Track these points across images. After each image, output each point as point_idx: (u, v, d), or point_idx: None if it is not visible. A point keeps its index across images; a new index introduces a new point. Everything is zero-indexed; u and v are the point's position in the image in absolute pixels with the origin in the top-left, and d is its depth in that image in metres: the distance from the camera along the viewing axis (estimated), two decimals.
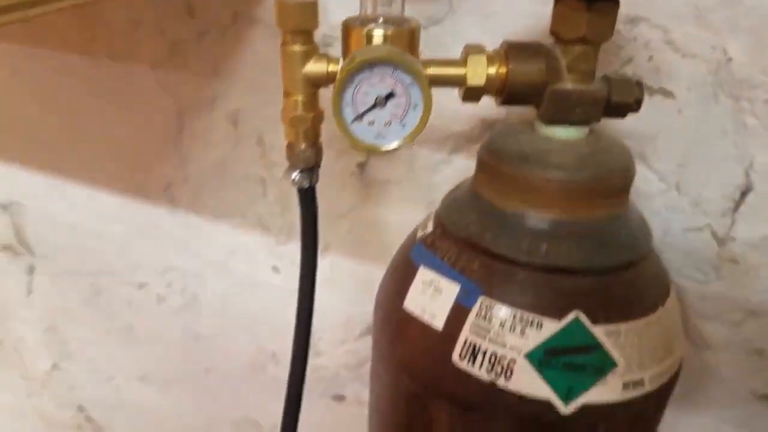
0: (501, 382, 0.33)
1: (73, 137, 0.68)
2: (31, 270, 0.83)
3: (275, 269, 0.66)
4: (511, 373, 0.33)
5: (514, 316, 0.33)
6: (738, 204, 0.42)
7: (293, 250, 0.63)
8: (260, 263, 0.66)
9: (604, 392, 0.32)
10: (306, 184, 0.36)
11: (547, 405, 0.32)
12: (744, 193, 0.42)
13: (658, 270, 0.36)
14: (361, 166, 0.53)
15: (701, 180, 0.42)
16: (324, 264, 0.59)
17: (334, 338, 0.67)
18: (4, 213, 0.80)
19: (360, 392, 0.69)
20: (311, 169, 0.36)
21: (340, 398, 0.70)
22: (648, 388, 0.33)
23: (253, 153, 0.58)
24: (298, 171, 0.35)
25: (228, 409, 0.79)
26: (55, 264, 0.81)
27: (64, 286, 0.82)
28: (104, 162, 0.68)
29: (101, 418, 0.94)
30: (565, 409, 0.32)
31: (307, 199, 0.37)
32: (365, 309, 0.63)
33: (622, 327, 0.33)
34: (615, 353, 0.32)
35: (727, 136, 0.41)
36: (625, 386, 0.33)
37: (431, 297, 0.36)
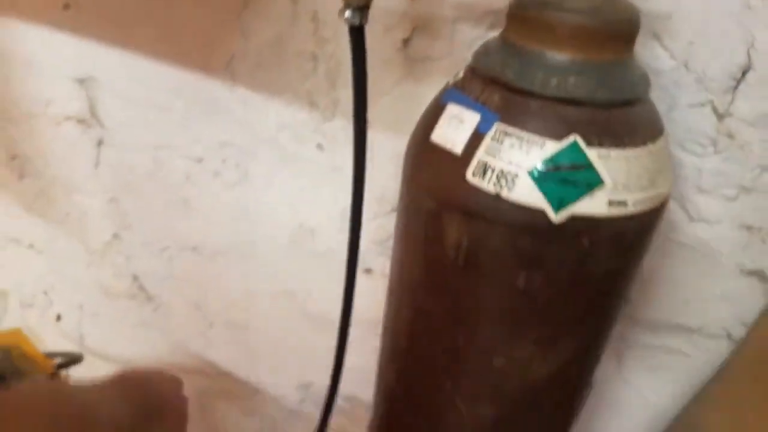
0: (504, 193, 0.39)
1: (145, 11, 0.75)
2: (99, 143, 0.92)
3: (319, 146, 0.73)
4: (514, 185, 0.39)
5: (522, 139, 0.39)
6: (738, 82, 0.47)
7: (337, 128, 0.70)
8: (306, 140, 0.73)
9: (590, 205, 0.38)
10: (357, 22, 0.42)
11: (541, 214, 0.39)
12: (744, 72, 0.46)
13: (651, 114, 0.41)
14: (406, 42, 0.59)
15: (707, 58, 0.47)
16: None
17: (367, 213, 0.74)
18: (81, 87, 0.88)
19: (386, 265, 0.77)
20: (362, 9, 0.42)
21: (368, 271, 0.78)
22: (631, 209, 0.39)
23: (308, 29, 0.64)
24: (351, 9, 0.42)
25: (268, 280, 0.88)
26: (121, 137, 0.89)
27: (128, 158, 0.91)
28: (173, 36, 0.75)
29: (153, 288, 1.04)
30: (556, 217, 0.38)
31: (358, 39, 0.44)
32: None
33: (613, 152, 0.38)
34: (604, 173, 0.38)
35: (734, 16, 0.45)
36: (611, 204, 0.39)
37: (455, 128, 0.42)
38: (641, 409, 0.66)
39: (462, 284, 0.43)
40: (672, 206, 0.53)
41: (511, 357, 0.45)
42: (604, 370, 0.61)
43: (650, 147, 0.40)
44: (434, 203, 0.43)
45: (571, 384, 0.48)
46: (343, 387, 0.88)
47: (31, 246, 1.20)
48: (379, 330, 0.84)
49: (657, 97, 0.45)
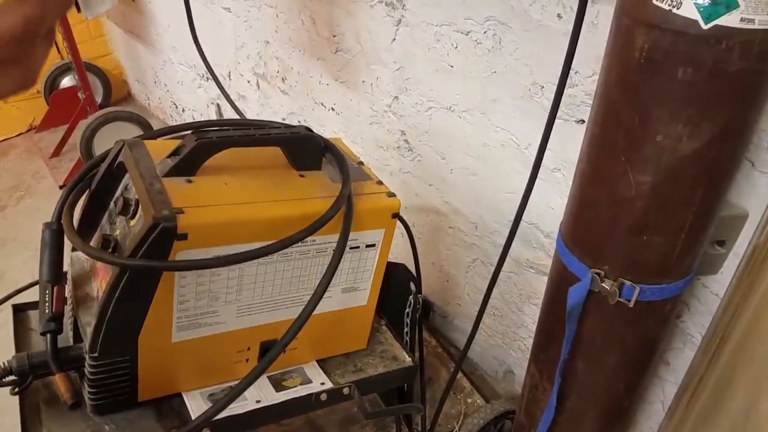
0: (674, 10, 0.64)
1: None
2: (399, 22, 1.29)
3: (559, 16, 1.00)
4: (680, 4, 0.64)
5: None
6: None
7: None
8: (549, 11, 1.01)
9: (728, 20, 0.62)
10: None
11: (694, 23, 0.63)
12: None
13: None
14: None
15: None
16: (591, 11, 0.92)
17: (587, 71, 1.00)
18: None
19: None
20: None
21: (581, 121, 1.04)
22: (756, 26, 0.62)
23: None
24: None
25: (499, 132, 1.19)
26: (416, 17, 1.25)
27: (417, 35, 1.26)
28: None
29: (413, 141, 1.41)
30: (705, 26, 0.63)
31: None
32: None
33: None
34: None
35: None
36: (742, 20, 0.62)
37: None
38: None
39: (641, 79, 0.69)
40: None
41: (667, 134, 0.70)
42: None
43: None
44: (629, 20, 0.69)
45: (709, 160, 0.72)
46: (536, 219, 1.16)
47: (332, 108, 1.64)
48: None
49: None
